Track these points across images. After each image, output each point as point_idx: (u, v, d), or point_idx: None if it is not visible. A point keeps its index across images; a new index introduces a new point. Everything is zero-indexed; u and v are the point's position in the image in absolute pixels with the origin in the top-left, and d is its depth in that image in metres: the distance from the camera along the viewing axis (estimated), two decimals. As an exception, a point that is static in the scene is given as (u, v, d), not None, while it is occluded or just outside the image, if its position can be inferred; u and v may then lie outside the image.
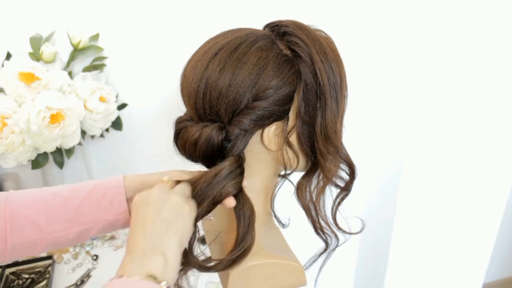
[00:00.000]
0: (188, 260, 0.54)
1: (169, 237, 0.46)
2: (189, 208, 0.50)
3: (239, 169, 0.54)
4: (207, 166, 0.57)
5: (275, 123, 0.55)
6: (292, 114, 0.55)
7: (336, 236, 0.61)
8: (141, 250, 0.44)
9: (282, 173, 0.62)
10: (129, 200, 0.59)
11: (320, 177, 0.59)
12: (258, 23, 0.61)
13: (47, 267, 0.95)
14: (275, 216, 0.62)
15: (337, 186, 0.60)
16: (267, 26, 0.59)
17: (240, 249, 0.53)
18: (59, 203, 0.57)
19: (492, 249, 1.46)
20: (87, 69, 0.99)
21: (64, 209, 0.57)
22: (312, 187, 0.59)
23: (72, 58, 0.98)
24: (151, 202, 0.48)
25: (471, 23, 1.14)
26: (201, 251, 0.58)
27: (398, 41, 1.15)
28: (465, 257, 1.47)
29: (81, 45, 0.97)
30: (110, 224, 0.59)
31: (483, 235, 1.44)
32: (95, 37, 1.01)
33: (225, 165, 0.53)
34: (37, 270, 0.95)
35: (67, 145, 0.92)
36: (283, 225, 0.65)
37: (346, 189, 0.60)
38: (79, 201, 0.57)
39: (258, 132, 0.56)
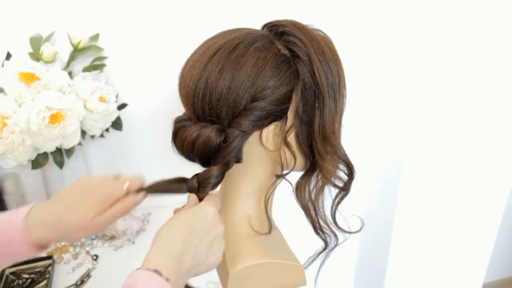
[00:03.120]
0: None
1: (199, 263, 0.52)
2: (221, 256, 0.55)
3: (220, 177, 0.57)
4: (204, 166, 0.57)
5: (274, 123, 0.55)
6: (290, 114, 0.55)
7: (335, 235, 0.61)
8: (172, 254, 0.48)
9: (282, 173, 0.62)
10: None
11: (319, 177, 0.59)
12: (256, 23, 0.61)
13: (47, 267, 0.95)
14: (267, 217, 0.61)
15: (335, 186, 0.60)
16: (265, 26, 0.60)
17: None
18: None
19: (492, 249, 1.46)
20: (87, 69, 1.00)
21: None
22: (311, 187, 0.59)
23: (72, 58, 0.98)
24: (208, 219, 0.53)
25: (471, 23, 1.14)
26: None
27: (398, 41, 1.15)
28: (465, 257, 1.47)
29: (81, 45, 0.97)
30: (10, 260, 0.58)
31: (483, 235, 1.43)
32: (95, 37, 1.01)
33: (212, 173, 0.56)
34: (37, 270, 0.95)
35: (67, 145, 0.92)
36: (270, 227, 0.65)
37: (344, 189, 0.60)
38: None
39: (257, 132, 0.56)
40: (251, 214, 0.61)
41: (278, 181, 0.62)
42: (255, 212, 0.61)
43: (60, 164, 0.97)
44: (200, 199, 0.57)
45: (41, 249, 0.58)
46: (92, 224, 0.55)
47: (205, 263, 0.53)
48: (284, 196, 0.65)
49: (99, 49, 1.01)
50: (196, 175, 0.58)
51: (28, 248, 0.56)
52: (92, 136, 1.04)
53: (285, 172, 0.61)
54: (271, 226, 0.62)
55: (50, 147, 0.89)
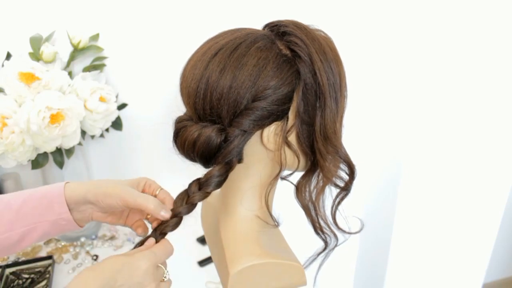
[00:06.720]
0: None
1: None
2: None
3: (223, 177, 0.56)
4: (205, 166, 0.57)
5: (275, 123, 0.55)
6: (291, 114, 0.55)
7: (335, 236, 0.61)
8: None
9: (284, 174, 0.62)
10: (70, 210, 0.60)
11: (320, 177, 0.59)
12: (258, 23, 0.61)
13: (47, 267, 0.95)
14: (271, 216, 0.61)
15: (336, 186, 0.60)
16: (266, 26, 0.60)
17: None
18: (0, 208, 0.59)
19: (492, 249, 1.46)
20: (87, 69, 1.00)
21: (4, 212, 0.58)
22: (312, 187, 0.59)
23: (72, 58, 0.98)
24: (135, 275, 0.51)
25: (471, 23, 1.14)
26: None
27: (398, 41, 1.15)
28: (465, 257, 1.47)
29: (81, 45, 0.97)
30: (52, 225, 0.60)
31: (483, 235, 1.44)
32: (95, 37, 1.01)
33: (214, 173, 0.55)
34: (37, 270, 0.95)
35: (67, 145, 0.92)
36: (277, 224, 0.65)
37: (345, 189, 0.60)
38: (19, 203, 0.59)
39: (258, 132, 0.56)
40: (251, 214, 0.61)
41: (277, 180, 0.62)
42: (255, 212, 0.61)
43: (60, 164, 0.97)
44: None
45: (80, 221, 0.61)
46: (124, 191, 0.58)
47: None
48: (284, 196, 0.65)
49: (99, 49, 1.01)
50: (198, 179, 0.58)
51: (65, 210, 0.59)
52: (92, 136, 1.04)
53: (288, 173, 0.61)
54: (275, 222, 0.62)
55: (50, 147, 0.89)
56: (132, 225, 0.65)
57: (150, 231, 0.60)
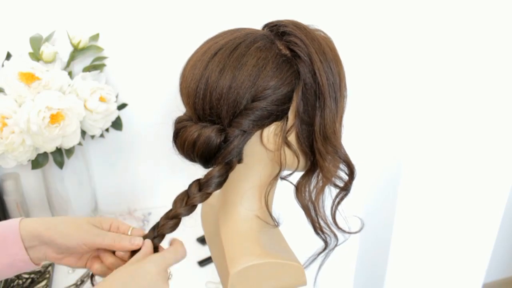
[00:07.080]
0: None
1: None
2: None
3: (223, 177, 0.55)
4: (205, 166, 0.57)
5: (275, 123, 0.55)
6: (291, 114, 0.55)
7: (335, 235, 0.61)
8: None
9: (284, 174, 0.62)
10: (26, 248, 0.56)
11: (319, 177, 0.59)
12: (257, 23, 0.61)
13: (47, 267, 0.95)
14: (271, 216, 0.61)
15: (336, 186, 0.60)
16: (266, 26, 0.60)
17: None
18: None
19: (492, 249, 1.46)
20: (87, 69, 1.00)
21: None
22: (311, 187, 0.59)
23: (72, 58, 0.98)
24: (148, 279, 0.50)
25: (471, 23, 1.14)
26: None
27: (398, 41, 1.15)
28: (465, 257, 1.47)
29: (81, 45, 0.97)
30: (5, 268, 0.56)
31: (483, 235, 1.44)
32: (95, 37, 1.01)
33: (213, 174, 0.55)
34: (37, 270, 0.95)
35: (67, 145, 0.92)
36: (277, 224, 0.65)
37: (345, 189, 0.60)
38: None
39: (258, 133, 0.56)
40: (251, 214, 0.61)
41: (277, 180, 0.62)
42: (255, 212, 0.61)
43: (60, 164, 0.97)
44: (155, 247, 0.56)
45: (36, 260, 0.57)
46: (88, 231, 0.56)
47: None
48: (284, 196, 0.65)
49: (99, 49, 1.01)
50: (198, 180, 0.57)
51: (20, 249, 0.55)
52: (92, 136, 1.04)
53: (288, 173, 0.61)
54: (275, 222, 0.62)
55: (50, 147, 0.89)
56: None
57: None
